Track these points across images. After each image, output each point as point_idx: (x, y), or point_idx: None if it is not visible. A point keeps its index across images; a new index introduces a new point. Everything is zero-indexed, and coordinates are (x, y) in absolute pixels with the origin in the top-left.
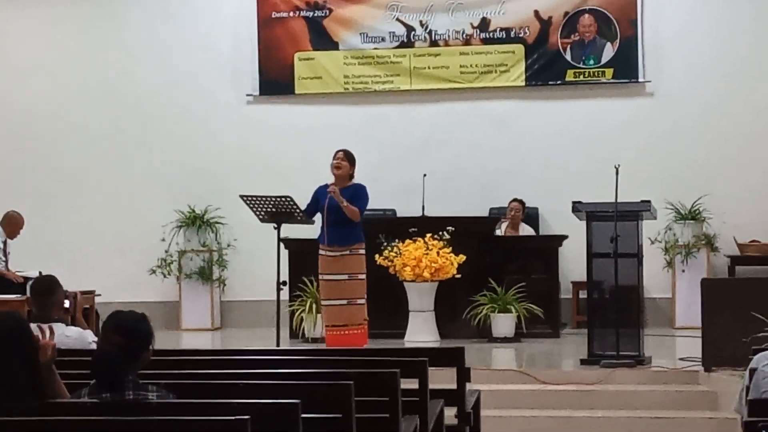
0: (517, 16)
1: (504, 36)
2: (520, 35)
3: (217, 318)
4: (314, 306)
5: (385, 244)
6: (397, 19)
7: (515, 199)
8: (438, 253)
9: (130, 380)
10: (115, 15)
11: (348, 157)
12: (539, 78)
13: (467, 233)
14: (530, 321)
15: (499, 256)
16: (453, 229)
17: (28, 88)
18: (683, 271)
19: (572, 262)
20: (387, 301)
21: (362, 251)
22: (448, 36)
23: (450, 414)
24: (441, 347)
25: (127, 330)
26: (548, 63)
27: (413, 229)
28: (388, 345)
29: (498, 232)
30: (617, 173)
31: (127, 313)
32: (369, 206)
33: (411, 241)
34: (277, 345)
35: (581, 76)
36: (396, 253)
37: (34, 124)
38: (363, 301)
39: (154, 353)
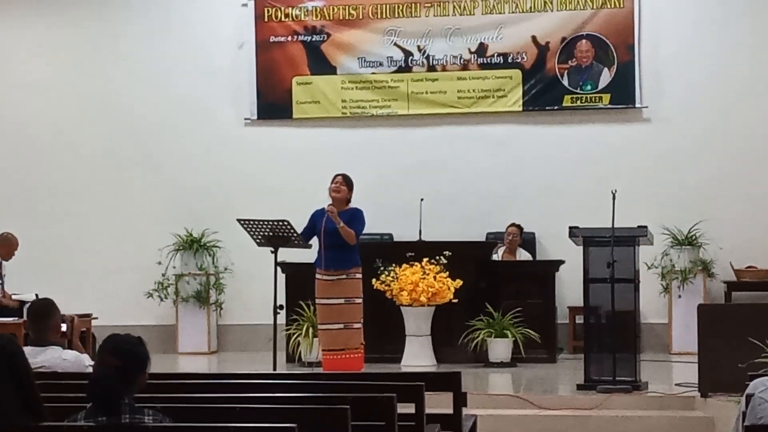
0: (515, 42)
1: (501, 61)
2: (518, 60)
3: (214, 342)
4: (311, 330)
5: (382, 268)
6: (395, 44)
7: (513, 224)
8: (435, 277)
9: (126, 404)
10: (114, 35)
11: (347, 182)
12: (536, 103)
13: (464, 258)
14: (527, 346)
15: (495, 280)
16: (450, 253)
17: (25, 108)
18: (680, 296)
19: (569, 287)
20: (384, 325)
21: (359, 275)
22: (446, 61)
23: None
24: (437, 372)
25: (124, 352)
26: (545, 88)
27: (410, 254)
28: (385, 369)
29: (495, 257)
30: (614, 198)
31: (123, 336)
32: (366, 230)
33: (408, 266)
34: (274, 369)
35: (578, 102)
36: (393, 277)
37: (31, 143)
38: (359, 325)
39: (151, 377)
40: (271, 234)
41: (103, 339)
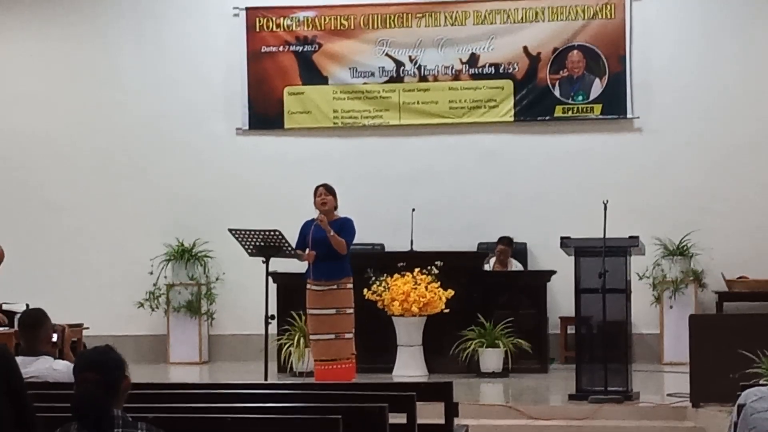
0: (506, 52)
1: (493, 71)
2: (509, 71)
3: (205, 352)
4: (302, 340)
5: (374, 278)
6: (387, 54)
7: (502, 241)
8: (426, 287)
9: (118, 417)
10: (106, 46)
11: (330, 191)
12: (528, 113)
13: (456, 268)
14: (518, 356)
15: (487, 291)
16: (441, 263)
17: (18, 120)
18: (671, 306)
19: (560, 298)
20: (375, 335)
21: (350, 285)
22: (438, 71)
23: None
24: (429, 382)
25: (100, 364)
26: (537, 99)
27: (402, 264)
28: (376, 379)
29: (486, 267)
30: (605, 209)
31: (93, 350)
32: (357, 240)
33: (399, 276)
34: (265, 379)
35: (570, 112)
36: (384, 287)
37: (23, 155)
38: (351, 335)
39: (142, 387)
40: (262, 244)
41: (75, 360)
